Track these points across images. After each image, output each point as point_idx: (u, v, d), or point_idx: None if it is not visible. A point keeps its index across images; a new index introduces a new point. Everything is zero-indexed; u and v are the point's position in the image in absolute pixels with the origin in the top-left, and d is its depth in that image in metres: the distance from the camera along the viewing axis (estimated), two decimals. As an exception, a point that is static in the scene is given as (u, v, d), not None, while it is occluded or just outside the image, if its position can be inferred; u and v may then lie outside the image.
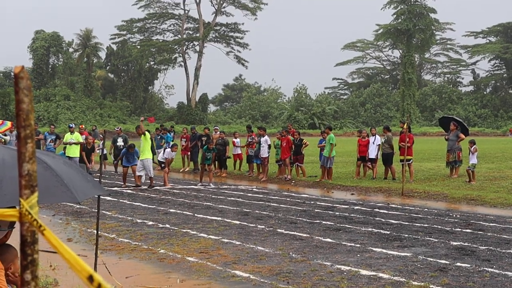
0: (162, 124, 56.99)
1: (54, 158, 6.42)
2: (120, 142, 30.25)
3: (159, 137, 32.82)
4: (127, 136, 32.98)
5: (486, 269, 10.27)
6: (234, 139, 31.43)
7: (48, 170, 5.52)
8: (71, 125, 29.45)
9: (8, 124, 29.24)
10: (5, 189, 4.14)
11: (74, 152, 26.99)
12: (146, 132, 24.36)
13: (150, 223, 15.58)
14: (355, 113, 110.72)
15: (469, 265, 10.52)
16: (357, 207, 18.66)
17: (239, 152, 31.32)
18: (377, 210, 18.04)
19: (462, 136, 25.35)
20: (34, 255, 1.54)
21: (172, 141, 30.57)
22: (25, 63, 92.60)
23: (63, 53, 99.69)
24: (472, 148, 23.81)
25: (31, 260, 1.55)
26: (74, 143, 27.29)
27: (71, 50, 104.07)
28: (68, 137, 27.66)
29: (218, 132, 32.70)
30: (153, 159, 25.41)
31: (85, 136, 28.35)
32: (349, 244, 12.56)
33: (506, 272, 10.02)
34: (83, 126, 34.15)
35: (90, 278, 1.57)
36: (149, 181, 24.64)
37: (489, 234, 13.71)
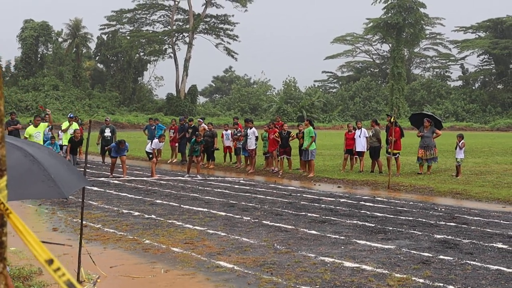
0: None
1: (39, 149, 6.41)
2: (107, 132, 30.22)
3: (153, 127, 32.72)
4: (115, 127, 32.92)
5: (469, 262, 10.35)
6: (223, 131, 31.31)
7: (35, 164, 5.50)
8: (71, 115, 29.48)
9: None
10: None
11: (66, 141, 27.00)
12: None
13: (136, 213, 15.60)
14: (344, 106, 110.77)
15: (451, 258, 10.60)
16: (343, 200, 18.74)
17: (229, 144, 31.13)
18: (362, 203, 18.12)
19: (439, 132, 25.12)
20: (3, 238, 1.57)
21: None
22: (14, 52, 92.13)
23: (52, 43, 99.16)
24: (461, 143, 23.83)
25: (0, 242, 1.58)
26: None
27: (60, 40, 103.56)
28: (66, 126, 27.63)
29: (203, 125, 32.45)
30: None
31: (74, 129, 28.25)
32: (333, 236, 12.63)
33: (488, 265, 10.10)
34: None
35: (50, 262, 1.60)
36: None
37: (473, 227, 13.81)
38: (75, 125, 27.85)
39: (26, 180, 5.30)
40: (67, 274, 1.58)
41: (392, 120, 24.30)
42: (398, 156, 25.26)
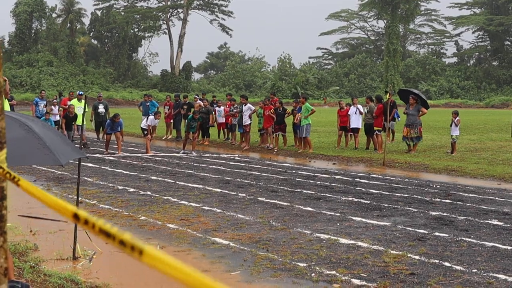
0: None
1: (34, 121, 6.40)
2: (101, 109, 30.11)
3: (148, 103, 32.55)
4: (107, 103, 32.79)
5: (464, 238, 10.37)
6: (216, 108, 31.19)
7: (30, 133, 5.50)
8: (80, 93, 29.66)
9: None
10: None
11: (79, 120, 27.04)
12: None
13: (132, 190, 15.58)
14: (339, 83, 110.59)
15: (447, 235, 10.62)
16: (338, 177, 18.73)
17: (223, 121, 31.02)
18: (358, 179, 18.11)
19: (424, 110, 24.72)
20: (3, 211, 1.55)
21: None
22: (8, 28, 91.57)
23: (46, 18, 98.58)
24: (456, 119, 23.77)
25: (0, 216, 1.56)
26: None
27: (54, 15, 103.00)
28: (76, 104, 27.84)
29: (198, 101, 32.24)
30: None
31: (69, 104, 28.17)
32: (329, 213, 12.64)
33: (483, 242, 10.12)
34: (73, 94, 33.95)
35: (76, 216, 1.56)
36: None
37: (468, 204, 13.83)
38: (81, 102, 28.00)
39: (21, 148, 5.29)
40: (97, 222, 1.54)
41: (388, 96, 24.22)
42: (376, 133, 25.13)
